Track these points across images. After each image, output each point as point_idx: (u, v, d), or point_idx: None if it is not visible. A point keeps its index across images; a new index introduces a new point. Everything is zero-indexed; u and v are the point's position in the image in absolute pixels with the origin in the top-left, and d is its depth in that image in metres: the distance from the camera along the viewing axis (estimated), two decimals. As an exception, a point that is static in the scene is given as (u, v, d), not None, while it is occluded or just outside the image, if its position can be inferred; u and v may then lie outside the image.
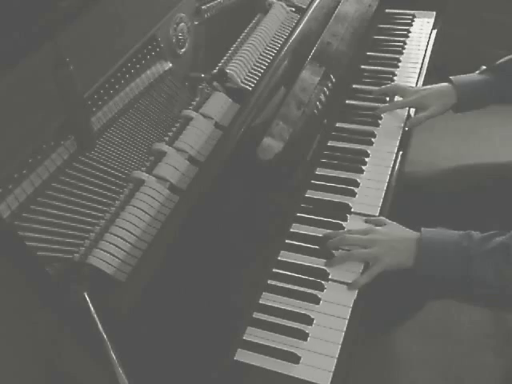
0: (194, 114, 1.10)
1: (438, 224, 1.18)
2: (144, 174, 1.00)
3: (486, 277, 1.02)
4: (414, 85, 1.50)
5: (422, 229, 1.08)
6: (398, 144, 1.33)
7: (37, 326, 0.77)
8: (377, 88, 1.44)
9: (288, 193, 1.16)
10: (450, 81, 1.38)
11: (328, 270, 1.07)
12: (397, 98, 1.42)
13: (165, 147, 1.04)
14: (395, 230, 1.11)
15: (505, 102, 1.37)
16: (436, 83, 1.44)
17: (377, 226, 1.13)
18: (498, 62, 1.37)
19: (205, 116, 1.11)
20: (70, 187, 0.91)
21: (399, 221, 1.16)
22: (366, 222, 1.15)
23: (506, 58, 1.36)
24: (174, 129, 1.10)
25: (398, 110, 1.41)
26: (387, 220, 1.13)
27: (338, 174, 1.26)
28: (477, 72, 1.40)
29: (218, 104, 1.14)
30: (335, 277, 1.06)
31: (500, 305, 1.31)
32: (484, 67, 1.39)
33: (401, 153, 1.32)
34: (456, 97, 1.35)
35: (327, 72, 1.33)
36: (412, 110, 1.42)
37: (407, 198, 1.31)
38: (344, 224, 1.15)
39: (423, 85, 1.52)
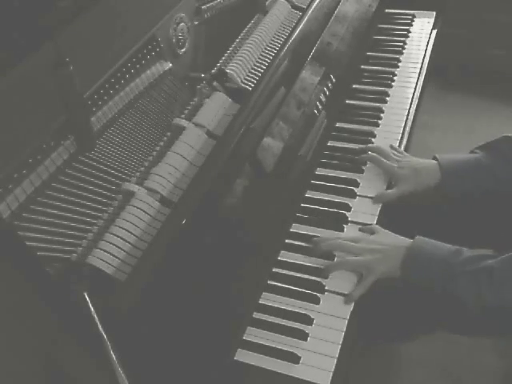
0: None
1: (438, 224, 1.18)
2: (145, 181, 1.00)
3: (465, 297, 1.01)
4: (413, 85, 1.50)
5: (416, 237, 1.07)
6: (397, 144, 1.33)
7: (37, 326, 0.77)
8: (358, 148, 1.29)
9: (288, 193, 1.16)
10: (435, 158, 1.24)
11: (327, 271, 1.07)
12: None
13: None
14: (387, 238, 1.10)
15: (497, 186, 1.19)
16: (435, 84, 1.43)
17: (369, 233, 1.12)
18: (490, 141, 1.24)
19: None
20: (70, 187, 0.91)
21: (398, 221, 1.16)
22: (360, 230, 1.14)
23: (500, 137, 1.23)
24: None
25: (398, 109, 1.41)
26: (380, 228, 1.12)
27: (338, 174, 1.26)
28: (469, 151, 1.27)
29: (217, 105, 1.14)
30: (335, 276, 1.06)
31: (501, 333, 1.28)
32: (479, 146, 1.25)
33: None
34: (440, 176, 1.20)
35: (327, 72, 1.33)
36: (412, 113, 1.42)
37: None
38: (344, 224, 1.15)
39: (423, 85, 1.52)
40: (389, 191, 1.21)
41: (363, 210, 1.18)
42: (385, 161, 1.24)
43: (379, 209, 1.19)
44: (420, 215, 1.29)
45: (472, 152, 1.25)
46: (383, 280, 1.06)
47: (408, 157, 1.27)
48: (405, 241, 1.08)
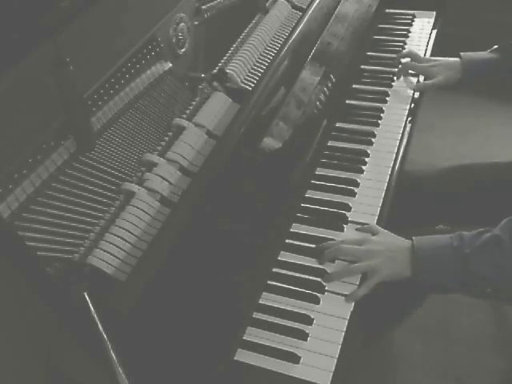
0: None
1: (438, 224, 1.18)
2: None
3: (485, 272, 1.02)
4: (413, 85, 1.50)
5: (414, 238, 1.08)
6: (397, 144, 1.33)
7: (37, 326, 0.77)
8: (395, 55, 1.55)
9: (288, 193, 1.15)
10: (459, 56, 1.47)
11: (329, 270, 1.06)
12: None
13: (158, 157, 1.04)
14: (389, 239, 1.10)
15: (506, 82, 1.50)
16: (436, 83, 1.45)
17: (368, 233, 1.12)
18: (508, 43, 1.46)
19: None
20: (70, 187, 0.91)
21: (399, 221, 1.16)
22: (358, 230, 1.14)
23: None
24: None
25: (398, 109, 1.41)
26: (379, 228, 1.12)
27: (338, 174, 1.26)
28: (488, 50, 1.50)
29: (217, 105, 1.14)
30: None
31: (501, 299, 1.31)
32: (496, 46, 1.49)
33: (401, 153, 1.32)
34: (461, 72, 1.45)
35: (327, 72, 1.33)
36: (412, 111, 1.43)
37: (407, 197, 1.31)
38: (344, 225, 1.15)
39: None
40: (426, 82, 1.49)
41: (363, 209, 1.18)
42: (418, 64, 1.50)
43: (379, 209, 1.19)
44: (421, 205, 1.32)
45: (491, 51, 1.50)
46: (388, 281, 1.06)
47: (434, 59, 1.52)
48: (405, 242, 1.08)
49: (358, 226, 1.15)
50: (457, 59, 1.47)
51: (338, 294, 1.03)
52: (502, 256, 1.01)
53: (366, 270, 1.06)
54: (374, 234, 1.11)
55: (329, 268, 1.07)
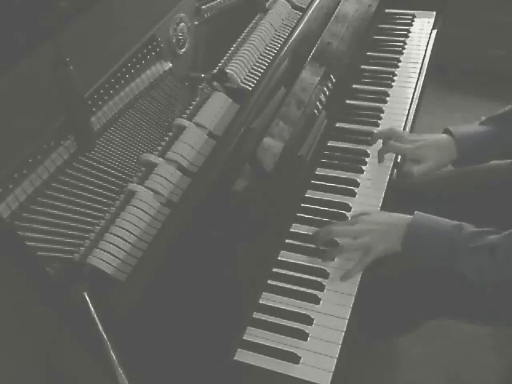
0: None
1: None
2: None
3: (468, 273, 1.02)
4: (413, 85, 1.50)
5: (415, 212, 1.08)
6: (397, 144, 1.33)
7: (37, 326, 0.77)
8: (375, 131, 1.32)
9: (288, 193, 1.15)
10: (448, 132, 1.27)
11: (328, 270, 1.07)
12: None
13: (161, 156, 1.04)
14: (382, 217, 1.11)
15: (507, 155, 1.27)
16: (435, 84, 1.43)
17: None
18: (499, 112, 1.27)
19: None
20: (70, 187, 0.91)
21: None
22: (353, 217, 1.15)
23: (508, 107, 1.26)
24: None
25: (398, 109, 1.41)
26: (370, 210, 1.14)
27: (338, 174, 1.26)
28: (477, 123, 1.30)
29: (217, 106, 1.14)
30: (336, 276, 1.06)
31: (501, 323, 1.29)
32: (484, 118, 1.28)
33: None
34: (456, 152, 1.23)
35: (327, 72, 1.33)
36: (412, 113, 1.43)
37: (407, 197, 1.31)
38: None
39: (423, 85, 1.52)
40: (415, 168, 1.23)
41: (363, 209, 1.18)
42: (402, 145, 1.25)
43: (379, 209, 1.19)
44: (421, 206, 1.31)
45: (481, 124, 1.29)
46: (384, 265, 1.08)
47: (420, 135, 1.28)
48: (403, 217, 1.09)
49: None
50: (446, 136, 1.26)
51: (338, 293, 1.04)
52: (490, 266, 1.00)
53: (359, 247, 1.07)
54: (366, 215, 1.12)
55: (328, 268, 1.07)
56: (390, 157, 1.30)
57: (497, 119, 1.26)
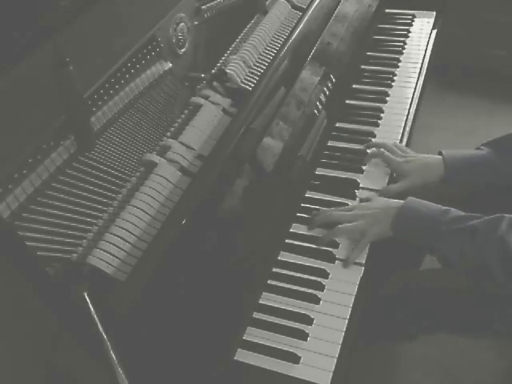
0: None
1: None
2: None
3: (449, 253, 1.05)
4: (413, 85, 1.50)
5: (408, 197, 1.11)
6: (397, 144, 1.33)
7: (37, 326, 0.77)
8: (371, 142, 1.32)
9: (288, 193, 1.15)
10: (440, 153, 1.25)
11: (328, 270, 1.07)
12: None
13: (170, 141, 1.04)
14: (379, 202, 1.14)
15: (500, 181, 1.22)
16: (435, 84, 1.43)
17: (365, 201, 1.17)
18: (496, 138, 1.25)
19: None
20: (70, 187, 0.91)
21: None
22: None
23: (506, 134, 1.25)
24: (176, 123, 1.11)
25: (398, 109, 1.41)
26: (376, 196, 1.18)
27: (338, 174, 1.26)
28: (475, 148, 1.27)
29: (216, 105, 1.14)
30: (335, 277, 1.06)
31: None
32: (482, 146, 1.26)
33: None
34: (444, 170, 1.22)
35: (327, 72, 1.33)
36: (412, 113, 1.43)
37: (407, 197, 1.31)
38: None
39: (423, 85, 1.52)
40: (395, 185, 1.23)
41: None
42: (391, 156, 1.26)
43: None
44: None
45: (478, 148, 1.27)
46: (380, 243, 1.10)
47: (413, 153, 1.29)
48: (396, 202, 1.12)
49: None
50: (437, 157, 1.24)
51: (338, 293, 1.04)
52: (470, 248, 1.02)
53: (354, 230, 1.10)
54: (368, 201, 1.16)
55: (328, 267, 1.08)
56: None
57: (493, 145, 1.24)
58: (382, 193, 1.22)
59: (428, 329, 1.30)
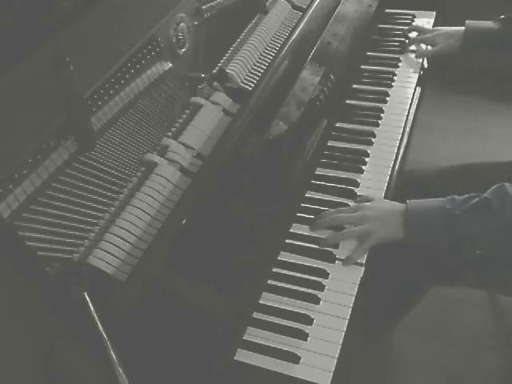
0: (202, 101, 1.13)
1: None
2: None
3: (473, 232, 1.06)
4: (413, 85, 1.50)
5: (408, 201, 1.13)
6: (397, 144, 1.33)
7: (37, 326, 0.77)
8: (406, 28, 1.66)
9: (288, 193, 1.15)
10: (465, 24, 1.57)
11: (328, 270, 1.07)
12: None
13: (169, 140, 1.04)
14: (383, 204, 1.15)
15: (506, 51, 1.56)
16: (435, 84, 1.45)
17: (365, 201, 1.17)
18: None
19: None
20: (70, 187, 0.91)
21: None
22: (356, 201, 1.19)
23: None
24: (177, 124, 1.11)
25: (398, 109, 1.42)
26: (375, 196, 1.18)
27: (338, 174, 1.26)
28: (493, 20, 1.57)
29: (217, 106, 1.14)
30: (335, 276, 1.06)
31: (496, 285, 1.32)
32: (502, 16, 1.55)
33: (401, 153, 1.32)
34: (462, 39, 1.54)
35: (327, 72, 1.33)
36: (412, 113, 1.43)
37: (407, 198, 1.30)
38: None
39: (423, 85, 1.52)
40: (428, 49, 1.59)
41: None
42: (422, 36, 1.62)
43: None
44: None
45: (496, 21, 1.58)
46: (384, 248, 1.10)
47: (438, 28, 1.62)
48: (399, 205, 1.13)
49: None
50: (461, 28, 1.56)
51: (338, 293, 1.04)
52: (490, 217, 1.05)
53: (360, 234, 1.10)
54: (369, 201, 1.16)
55: (328, 268, 1.08)
56: (390, 157, 1.30)
57: (509, 20, 1.52)
58: (418, 53, 1.59)
59: (427, 328, 1.30)
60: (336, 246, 1.11)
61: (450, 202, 1.09)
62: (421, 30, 1.64)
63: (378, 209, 1.13)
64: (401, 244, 1.11)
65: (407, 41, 1.63)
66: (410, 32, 1.65)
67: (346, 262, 1.08)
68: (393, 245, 1.12)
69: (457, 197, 1.09)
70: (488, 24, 1.56)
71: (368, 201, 1.16)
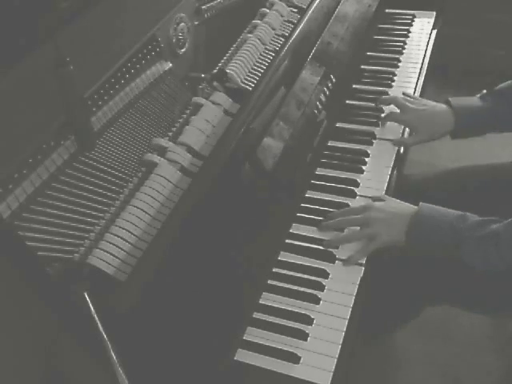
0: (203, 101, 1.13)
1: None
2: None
3: (474, 261, 1.04)
4: (413, 85, 1.50)
5: (420, 203, 1.10)
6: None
7: (37, 326, 0.77)
8: (382, 97, 1.39)
9: (288, 193, 1.15)
10: (448, 103, 1.32)
11: (328, 270, 1.07)
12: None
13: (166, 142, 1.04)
14: (392, 206, 1.12)
15: (504, 130, 1.32)
16: (435, 84, 1.43)
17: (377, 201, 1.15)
18: (498, 87, 1.32)
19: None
20: (70, 187, 0.91)
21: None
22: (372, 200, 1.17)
23: (507, 82, 1.31)
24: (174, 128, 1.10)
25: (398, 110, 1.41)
26: (388, 197, 1.15)
27: (338, 174, 1.26)
28: (477, 96, 1.34)
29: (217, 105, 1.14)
30: (335, 276, 1.06)
31: (499, 310, 1.31)
32: (484, 91, 1.33)
33: (401, 153, 1.32)
34: (454, 123, 1.29)
35: (327, 72, 1.33)
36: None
37: (407, 198, 1.31)
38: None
39: (423, 85, 1.52)
40: (407, 138, 1.33)
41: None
42: (400, 116, 1.33)
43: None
44: None
45: (481, 97, 1.33)
46: (387, 251, 1.09)
47: (422, 101, 1.35)
48: (409, 208, 1.10)
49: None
50: (446, 107, 1.31)
51: (338, 293, 1.04)
52: (495, 254, 1.02)
53: (365, 237, 1.09)
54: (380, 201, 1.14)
55: (328, 268, 1.08)
56: (390, 157, 1.30)
57: (495, 94, 1.31)
58: (395, 143, 1.29)
59: (428, 301, 1.30)
60: (336, 246, 1.11)
61: (462, 220, 1.05)
62: (398, 105, 1.34)
63: (384, 210, 1.11)
64: (403, 250, 1.10)
65: (382, 115, 1.37)
66: (385, 104, 1.38)
67: (346, 262, 1.07)
68: (396, 251, 1.11)
69: (469, 215, 1.05)
70: (477, 102, 1.32)
71: (380, 200, 1.14)
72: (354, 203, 1.19)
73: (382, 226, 1.08)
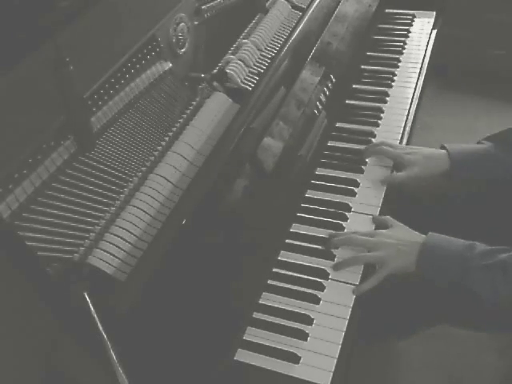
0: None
1: (438, 224, 1.18)
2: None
3: (481, 291, 1.02)
4: (413, 85, 1.50)
5: (429, 233, 1.08)
6: (397, 144, 1.33)
7: (37, 326, 0.77)
8: (364, 147, 1.29)
9: (288, 193, 1.15)
10: (444, 147, 1.26)
11: (328, 270, 1.07)
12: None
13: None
14: (402, 233, 1.11)
15: (505, 175, 1.22)
16: (435, 84, 1.43)
17: (383, 225, 1.13)
18: (496, 133, 1.26)
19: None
20: (70, 187, 0.91)
21: (399, 221, 1.16)
22: (373, 220, 1.15)
23: (506, 129, 1.26)
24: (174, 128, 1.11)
25: (398, 109, 1.41)
26: (394, 220, 1.13)
27: (338, 174, 1.26)
28: (477, 142, 1.28)
29: (217, 105, 1.14)
30: (335, 277, 1.06)
31: (499, 330, 1.30)
32: (482, 140, 1.27)
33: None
34: (449, 162, 1.21)
35: (327, 72, 1.33)
36: (412, 113, 1.43)
37: (407, 198, 1.31)
38: (344, 224, 1.15)
39: (423, 85, 1.52)
40: (397, 173, 1.23)
41: (363, 210, 1.18)
42: (391, 149, 1.26)
43: (379, 209, 1.19)
44: (427, 214, 1.30)
45: (479, 143, 1.27)
46: (394, 276, 1.07)
47: (415, 147, 1.28)
48: (419, 236, 1.09)
49: (371, 217, 1.16)
50: (442, 151, 1.25)
51: (338, 293, 1.03)
52: (502, 283, 1.01)
53: (374, 260, 1.07)
54: (388, 227, 1.12)
55: (328, 268, 1.07)
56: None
57: (495, 139, 1.25)
58: (383, 182, 1.22)
59: (428, 327, 1.29)
60: (337, 247, 1.10)
61: (469, 249, 1.04)
62: (386, 153, 1.26)
63: (395, 237, 1.09)
64: (412, 278, 1.08)
65: (368, 148, 1.29)
66: (369, 155, 1.28)
67: (357, 290, 1.03)
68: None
69: (478, 245, 1.05)
70: (474, 145, 1.26)
71: (387, 225, 1.12)
72: (353, 203, 1.19)
73: (393, 252, 1.06)
